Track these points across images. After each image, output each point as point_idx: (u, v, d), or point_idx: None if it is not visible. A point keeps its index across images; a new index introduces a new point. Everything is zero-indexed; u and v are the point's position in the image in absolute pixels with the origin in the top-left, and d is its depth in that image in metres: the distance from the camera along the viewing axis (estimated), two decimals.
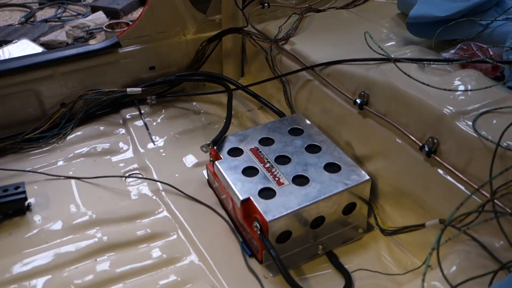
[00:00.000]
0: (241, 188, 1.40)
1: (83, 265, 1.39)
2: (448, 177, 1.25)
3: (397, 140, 1.41)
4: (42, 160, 1.80)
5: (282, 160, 1.51)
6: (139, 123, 1.99)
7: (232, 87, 1.96)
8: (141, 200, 1.63)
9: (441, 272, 1.00)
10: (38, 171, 1.73)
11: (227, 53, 2.20)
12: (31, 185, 1.66)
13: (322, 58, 1.69)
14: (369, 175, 1.44)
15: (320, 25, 1.96)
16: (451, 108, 1.26)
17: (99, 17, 4.09)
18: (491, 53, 1.46)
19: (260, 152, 1.55)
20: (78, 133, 1.92)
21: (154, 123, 2.00)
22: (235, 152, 1.56)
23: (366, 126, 1.53)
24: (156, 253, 1.43)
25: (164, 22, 2.04)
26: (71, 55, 1.91)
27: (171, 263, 1.40)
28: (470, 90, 1.30)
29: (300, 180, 1.43)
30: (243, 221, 1.41)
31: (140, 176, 1.74)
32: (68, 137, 1.89)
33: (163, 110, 2.07)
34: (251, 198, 1.36)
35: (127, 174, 1.74)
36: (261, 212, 1.31)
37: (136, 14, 4.33)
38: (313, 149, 1.56)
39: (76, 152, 1.83)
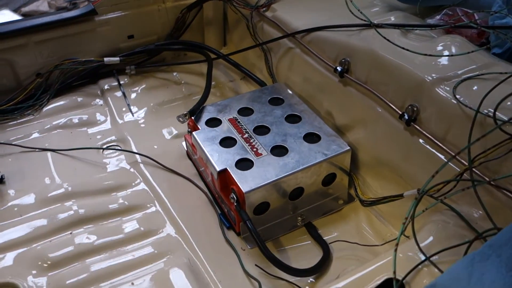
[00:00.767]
0: (218, 159, 1.37)
1: (58, 238, 1.36)
2: (428, 146, 1.22)
3: (378, 108, 1.37)
4: (17, 132, 1.75)
5: (261, 130, 1.48)
6: (118, 94, 1.94)
7: (212, 56, 1.91)
8: (118, 173, 1.59)
9: (416, 241, 0.98)
10: (13, 143, 1.68)
11: (208, 21, 2.14)
12: (5, 157, 1.63)
13: (304, 25, 1.63)
14: (349, 145, 1.41)
15: None
16: (432, 74, 1.21)
17: None
18: (477, 18, 1.41)
19: (239, 122, 1.51)
20: (55, 104, 1.87)
21: (133, 94, 1.95)
22: (213, 122, 1.52)
23: (346, 94, 1.49)
24: (133, 225, 1.41)
25: None
26: (45, 23, 1.85)
27: (148, 236, 1.38)
28: (452, 55, 1.25)
29: (279, 150, 1.40)
30: (221, 193, 1.38)
31: (118, 148, 1.70)
32: (44, 109, 1.84)
33: (143, 81, 2.01)
34: (228, 169, 1.33)
35: (104, 146, 1.70)
36: (238, 183, 1.28)
37: None
38: (293, 119, 1.52)
39: (52, 123, 1.79)
